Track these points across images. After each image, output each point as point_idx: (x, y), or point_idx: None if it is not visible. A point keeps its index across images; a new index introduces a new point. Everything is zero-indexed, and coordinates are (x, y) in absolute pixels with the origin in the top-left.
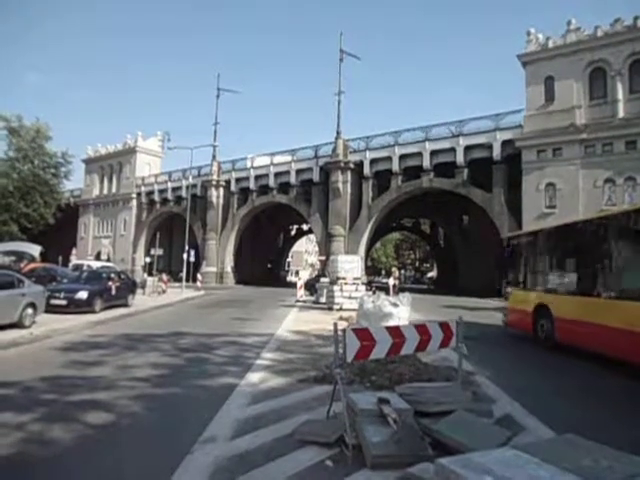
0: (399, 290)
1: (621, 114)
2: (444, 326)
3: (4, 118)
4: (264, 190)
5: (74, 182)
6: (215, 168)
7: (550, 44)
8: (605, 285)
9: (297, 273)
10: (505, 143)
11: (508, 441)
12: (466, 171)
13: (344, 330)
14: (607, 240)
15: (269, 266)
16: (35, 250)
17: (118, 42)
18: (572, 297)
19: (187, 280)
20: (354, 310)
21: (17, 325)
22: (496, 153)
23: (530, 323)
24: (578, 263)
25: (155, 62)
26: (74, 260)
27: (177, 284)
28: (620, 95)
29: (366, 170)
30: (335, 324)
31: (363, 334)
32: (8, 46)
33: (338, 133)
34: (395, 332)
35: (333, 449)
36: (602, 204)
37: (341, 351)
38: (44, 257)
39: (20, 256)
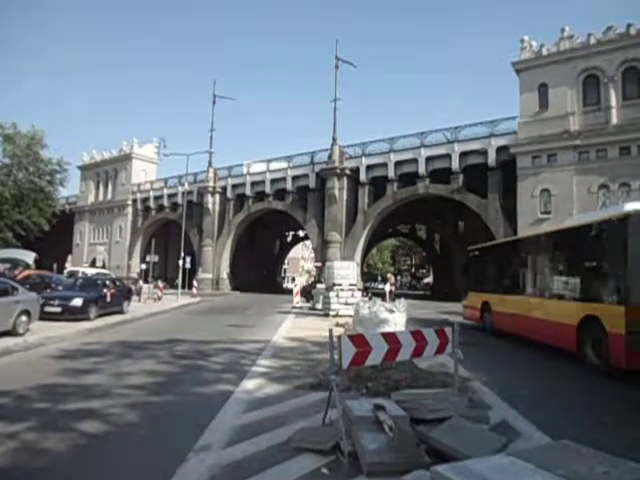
0: (395, 296)
1: (615, 121)
2: (440, 332)
3: None
4: (260, 196)
5: (70, 189)
6: (211, 174)
7: (544, 51)
8: (526, 287)
9: (293, 279)
10: (500, 149)
11: (504, 448)
12: (461, 177)
13: (340, 336)
14: (526, 254)
15: (265, 272)
16: (30, 257)
17: (113, 48)
18: (504, 296)
19: (183, 287)
20: (350, 316)
21: (11, 333)
22: (491, 159)
23: (479, 316)
24: (508, 271)
25: (151, 68)
26: (69, 267)
27: (173, 291)
28: (613, 102)
29: (362, 176)
30: (331, 330)
31: (359, 340)
32: (6, 51)
33: (334, 140)
34: (391, 338)
35: (329, 456)
36: (597, 210)
37: (337, 357)
38: (39, 264)
39: (14, 263)
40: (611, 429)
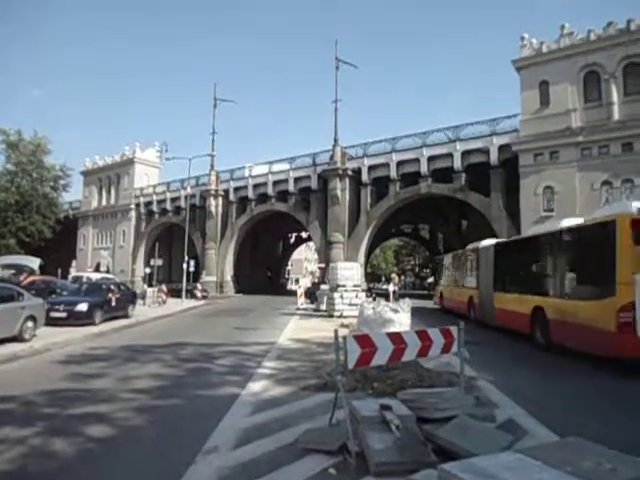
0: (399, 296)
1: (616, 117)
2: (445, 331)
3: (3, 132)
4: (263, 199)
5: (73, 194)
6: (213, 178)
7: (544, 49)
8: (466, 281)
9: (297, 281)
10: (502, 147)
11: (511, 445)
12: (464, 176)
13: (345, 337)
14: (468, 261)
15: (269, 274)
16: (34, 263)
17: (113, 51)
18: (452, 287)
19: (187, 290)
20: (355, 317)
21: (17, 338)
22: (493, 157)
23: (439, 301)
24: (459, 271)
25: (151, 71)
26: (73, 272)
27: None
28: (615, 98)
29: (364, 177)
30: (336, 331)
31: (364, 341)
32: (8, 57)
33: (336, 141)
34: (396, 338)
35: (336, 457)
36: (600, 206)
37: (342, 358)
38: (43, 270)
39: (19, 269)
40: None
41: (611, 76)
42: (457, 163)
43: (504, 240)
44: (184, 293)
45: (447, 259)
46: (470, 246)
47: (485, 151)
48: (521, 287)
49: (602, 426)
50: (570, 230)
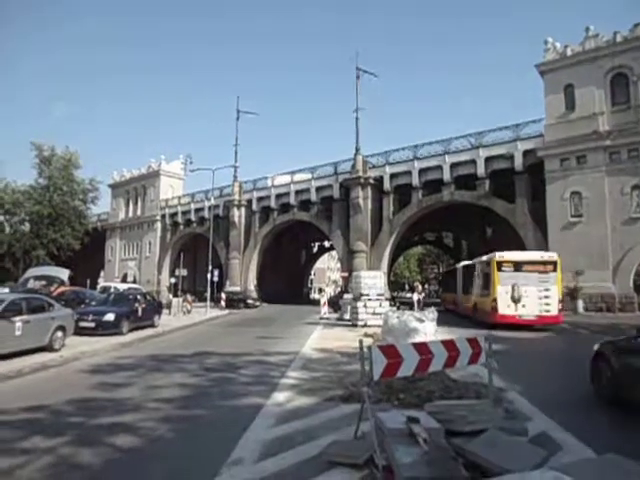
0: (424, 305)
1: None
2: (472, 341)
3: (38, 147)
4: (285, 208)
5: (101, 206)
6: (236, 188)
7: (569, 52)
8: (453, 289)
9: (320, 290)
10: (526, 153)
11: (545, 461)
12: (487, 182)
13: (370, 347)
14: (459, 274)
15: (292, 284)
16: (64, 274)
17: (133, 56)
18: (447, 293)
19: (212, 300)
20: (379, 326)
21: (47, 348)
22: (517, 163)
23: (444, 304)
24: (450, 282)
25: (177, 85)
26: (102, 282)
27: (202, 304)
28: None
29: (386, 185)
30: (361, 341)
31: (389, 351)
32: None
33: (357, 150)
34: (422, 348)
35: (362, 471)
36: (631, 211)
37: (367, 369)
38: (73, 280)
39: (50, 280)
40: None
41: (639, 78)
42: (480, 169)
43: (464, 263)
44: (208, 302)
45: (445, 274)
46: (458, 265)
47: (509, 157)
48: (468, 291)
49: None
50: (479, 262)
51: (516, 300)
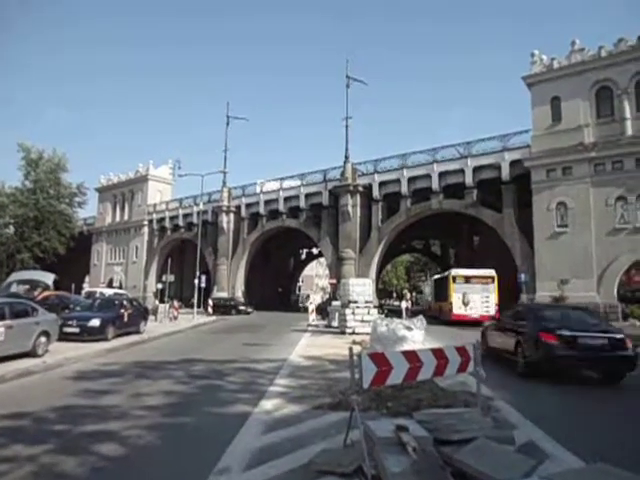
0: (412, 313)
1: (630, 132)
2: (461, 350)
3: (25, 148)
4: (274, 215)
5: (87, 210)
6: (225, 194)
7: (555, 65)
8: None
9: (308, 297)
10: (514, 163)
11: (533, 470)
12: (475, 192)
13: (360, 355)
14: (435, 284)
15: (280, 290)
16: (49, 278)
17: (125, 57)
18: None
19: (198, 306)
20: (367, 334)
21: (30, 354)
22: (505, 173)
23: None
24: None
25: (165, 87)
26: (87, 288)
27: (189, 310)
28: (628, 113)
29: (375, 193)
30: (350, 349)
31: (379, 359)
32: (29, 78)
33: (346, 157)
34: (411, 357)
35: None
36: (615, 222)
37: (357, 377)
38: (57, 285)
39: (34, 284)
40: None
41: (624, 92)
42: (468, 179)
43: (435, 277)
44: (195, 309)
45: (435, 282)
46: (430, 278)
47: (497, 167)
48: (438, 298)
49: (627, 448)
50: (442, 276)
51: (465, 304)
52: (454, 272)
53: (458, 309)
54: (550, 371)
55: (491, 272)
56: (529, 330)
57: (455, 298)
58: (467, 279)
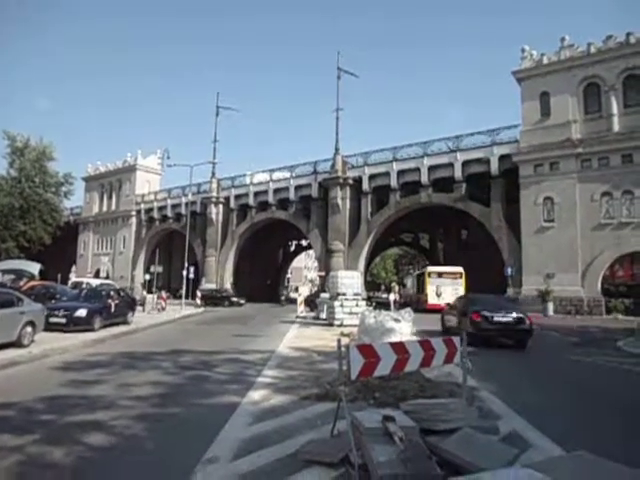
0: (400, 305)
1: (616, 128)
2: (448, 341)
3: (11, 137)
4: (263, 206)
5: (74, 200)
6: (214, 185)
7: (544, 60)
8: (414, 289)
9: (297, 289)
10: (502, 158)
11: (516, 459)
12: (464, 186)
13: (348, 346)
14: (416, 279)
15: (268, 282)
16: (34, 268)
17: (114, 53)
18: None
19: (187, 297)
20: (355, 326)
21: (16, 344)
22: (494, 168)
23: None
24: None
25: (154, 75)
26: (73, 278)
27: (177, 301)
28: (615, 110)
29: (365, 186)
30: (339, 340)
31: (367, 350)
32: (10, 62)
33: (337, 150)
34: (399, 348)
35: (338, 469)
36: (600, 217)
37: (345, 368)
38: (43, 275)
39: (19, 274)
40: None
41: (611, 88)
42: (458, 173)
43: (416, 272)
44: (183, 300)
45: (416, 276)
46: (413, 273)
47: (485, 161)
48: (417, 290)
49: (608, 437)
50: (420, 273)
51: (438, 295)
52: (429, 269)
53: (432, 299)
54: (480, 340)
55: (459, 269)
56: (467, 312)
57: (430, 290)
58: (440, 274)
